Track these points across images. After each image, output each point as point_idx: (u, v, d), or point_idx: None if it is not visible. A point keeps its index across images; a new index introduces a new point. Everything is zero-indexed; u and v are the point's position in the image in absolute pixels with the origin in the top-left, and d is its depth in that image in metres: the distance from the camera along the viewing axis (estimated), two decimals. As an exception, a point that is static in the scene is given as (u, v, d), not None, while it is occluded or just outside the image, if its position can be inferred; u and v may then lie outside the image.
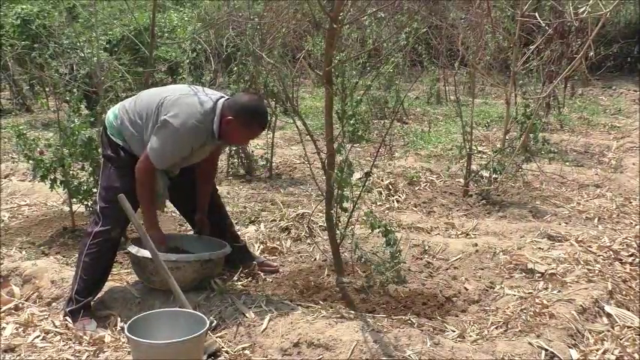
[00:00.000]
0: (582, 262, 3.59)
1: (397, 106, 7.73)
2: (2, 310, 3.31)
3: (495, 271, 3.63)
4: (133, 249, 3.25)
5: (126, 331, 2.64)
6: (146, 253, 3.08)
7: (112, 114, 3.28)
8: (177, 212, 4.07)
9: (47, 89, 9.41)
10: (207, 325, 2.73)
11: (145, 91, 3.35)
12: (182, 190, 3.45)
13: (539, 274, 3.50)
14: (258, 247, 4.02)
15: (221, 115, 3.07)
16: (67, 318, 3.18)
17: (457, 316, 3.15)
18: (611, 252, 3.79)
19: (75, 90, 4.48)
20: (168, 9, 11.45)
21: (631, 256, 3.78)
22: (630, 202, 4.97)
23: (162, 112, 3.06)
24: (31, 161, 4.18)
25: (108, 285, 3.40)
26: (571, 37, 7.48)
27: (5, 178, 5.81)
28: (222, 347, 2.91)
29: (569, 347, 2.77)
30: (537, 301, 3.15)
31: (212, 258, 3.34)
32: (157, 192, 3.27)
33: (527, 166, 5.43)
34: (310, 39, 7.34)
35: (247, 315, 3.05)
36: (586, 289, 3.26)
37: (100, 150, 3.76)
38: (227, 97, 3.21)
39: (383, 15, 7.23)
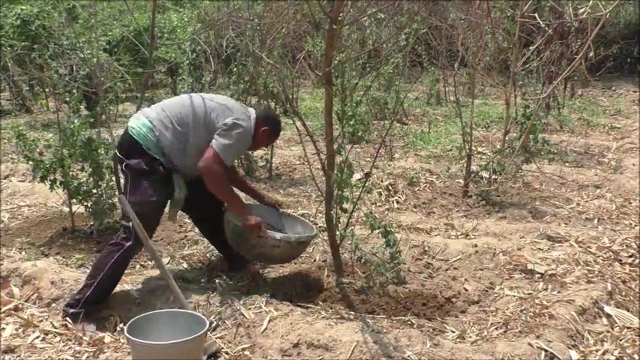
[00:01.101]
0: (582, 263, 3.59)
1: (397, 107, 7.72)
2: (2, 310, 3.30)
3: (495, 272, 3.63)
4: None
5: (125, 331, 2.63)
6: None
7: (143, 127, 3.20)
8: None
9: (47, 90, 9.42)
10: (207, 326, 2.73)
11: (168, 101, 3.43)
12: (196, 197, 3.45)
13: (538, 275, 3.51)
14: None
15: (257, 125, 3.38)
16: (67, 319, 3.18)
17: (457, 317, 3.15)
18: (610, 253, 3.79)
19: (75, 91, 4.47)
20: (168, 10, 11.47)
21: (631, 256, 3.78)
22: (630, 203, 4.97)
23: (219, 117, 3.24)
24: (30, 162, 4.18)
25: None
26: (571, 37, 7.48)
27: (5, 178, 5.81)
28: (222, 348, 2.91)
29: (569, 348, 2.77)
30: (537, 301, 3.15)
31: (304, 240, 3.47)
32: (173, 198, 3.32)
33: (527, 166, 5.43)
34: (310, 39, 7.36)
35: (247, 315, 3.05)
36: (586, 289, 3.26)
37: (114, 161, 3.79)
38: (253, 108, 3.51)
39: (383, 16, 7.24)
